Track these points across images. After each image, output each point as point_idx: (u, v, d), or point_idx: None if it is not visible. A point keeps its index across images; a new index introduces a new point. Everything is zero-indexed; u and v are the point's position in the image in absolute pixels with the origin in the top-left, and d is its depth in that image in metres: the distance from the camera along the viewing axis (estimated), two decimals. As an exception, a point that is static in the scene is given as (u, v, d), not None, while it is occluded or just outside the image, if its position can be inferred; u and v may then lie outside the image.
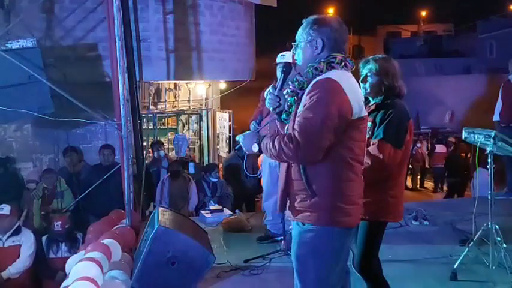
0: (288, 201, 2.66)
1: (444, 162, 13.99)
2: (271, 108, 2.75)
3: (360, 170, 2.61)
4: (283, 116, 2.73)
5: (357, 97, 2.53)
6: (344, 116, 2.44)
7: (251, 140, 2.65)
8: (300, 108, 2.51)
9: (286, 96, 2.69)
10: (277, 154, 2.48)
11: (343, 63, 2.57)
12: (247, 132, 2.75)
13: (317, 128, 2.39)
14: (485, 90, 20.12)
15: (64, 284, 3.65)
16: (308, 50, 2.63)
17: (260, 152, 2.62)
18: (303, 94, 2.57)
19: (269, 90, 2.75)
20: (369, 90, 3.23)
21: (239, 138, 2.74)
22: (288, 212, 2.68)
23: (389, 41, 36.72)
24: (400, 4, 37.12)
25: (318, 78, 2.52)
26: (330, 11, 35.78)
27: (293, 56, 2.82)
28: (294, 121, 2.54)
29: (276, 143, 2.47)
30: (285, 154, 2.45)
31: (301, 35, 2.66)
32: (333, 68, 2.55)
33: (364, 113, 2.60)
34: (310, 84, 2.53)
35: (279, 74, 4.48)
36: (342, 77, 2.51)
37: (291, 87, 2.69)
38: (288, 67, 2.71)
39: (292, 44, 2.71)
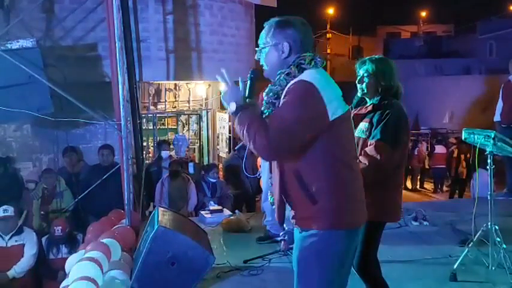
0: (292, 212, 2.55)
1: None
2: None
3: (355, 163, 2.55)
4: None
5: (333, 94, 2.44)
6: (318, 118, 2.36)
7: (235, 95, 2.46)
8: None
9: (262, 109, 2.56)
10: (248, 138, 2.35)
11: (312, 62, 2.49)
12: (236, 86, 2.50)
13: (288, 130, 2.31)
14: (485, 90, 20.13)
15: (64, 283, 3.66)
16: (274, 54, 2.53)
17: (234, 113, 2.44)
18: (279, 103, 2.47)
19: None
20: (365, 90, 3.22)
21: (226, 87, 2.49)
22: (292, 220, 2.58)
23: (389, 41, 36.68)
24: (400, 5, 37.16)
25: (292, 82, 2.45)
26: (330, 11, 35.79)
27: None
28: None
29: (252, 129, 2.34)
30: (254, 144, 2.32)
31: (265, 38, 2.55)
32: (304, 69, 2.47)
33: (345, 108, 2.51)
34: (285, 90, 2.45)
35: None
36: (315, 76, 2.43)
37: (266, 99, 2.56)
38: (255, 74, 2.64)
39: (256, 49, 2.61)
